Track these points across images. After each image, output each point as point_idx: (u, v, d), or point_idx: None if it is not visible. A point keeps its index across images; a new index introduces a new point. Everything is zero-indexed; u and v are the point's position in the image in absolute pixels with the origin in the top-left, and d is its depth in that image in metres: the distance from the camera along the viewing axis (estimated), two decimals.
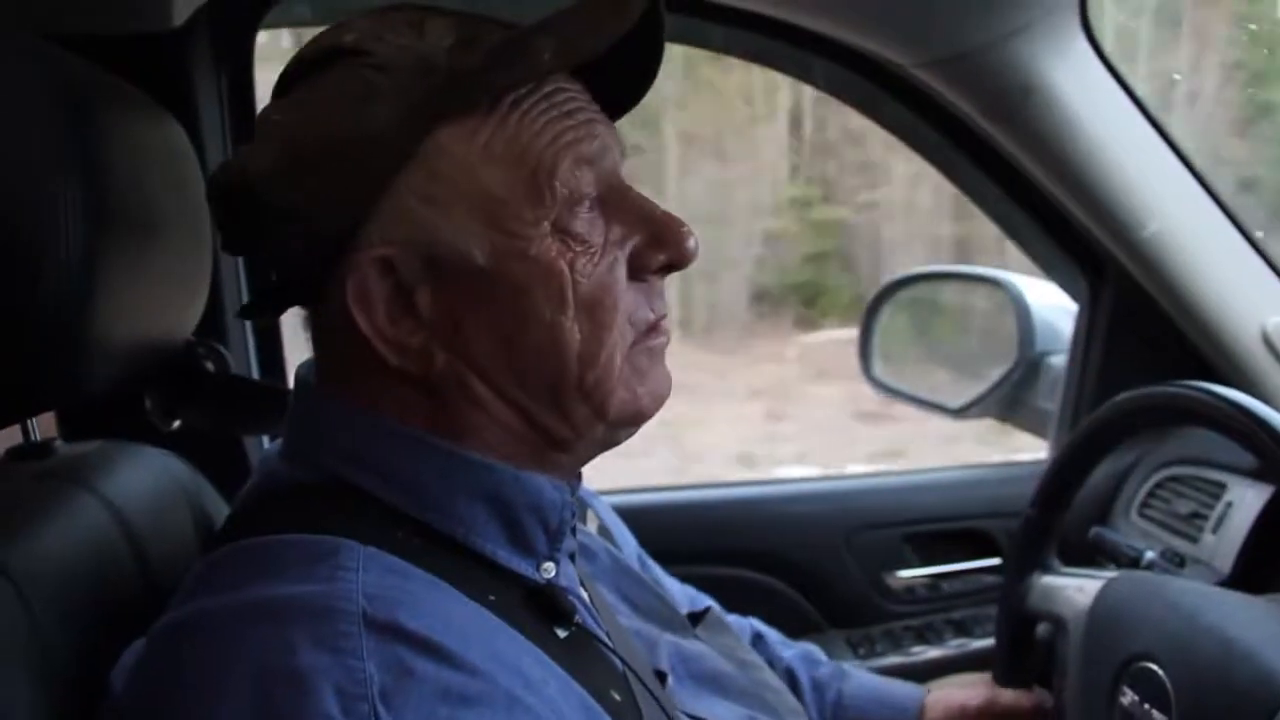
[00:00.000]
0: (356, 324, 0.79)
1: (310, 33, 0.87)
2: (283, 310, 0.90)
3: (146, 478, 1.10)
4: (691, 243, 0.85)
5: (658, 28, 0.85)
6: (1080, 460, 1.35)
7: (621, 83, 0.89)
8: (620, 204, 0.84)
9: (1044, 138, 1.58)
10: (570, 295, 0.79)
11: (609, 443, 0.87)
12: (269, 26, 1.55)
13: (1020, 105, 1.54)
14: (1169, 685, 1.10)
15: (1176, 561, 1.46)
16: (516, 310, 0.79)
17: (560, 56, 0.78)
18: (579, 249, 0.80)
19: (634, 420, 0.86)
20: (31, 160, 0.75)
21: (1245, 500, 1.57)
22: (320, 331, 0.86)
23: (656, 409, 0.87)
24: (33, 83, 0.76)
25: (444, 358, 0.80)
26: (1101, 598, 1.25)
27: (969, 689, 1.35)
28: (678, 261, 0.85)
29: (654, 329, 0.86)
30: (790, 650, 1.35)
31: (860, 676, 1.35)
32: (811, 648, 1.37)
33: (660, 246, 0.84)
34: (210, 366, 1.35)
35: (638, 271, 0.84)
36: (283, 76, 0.85)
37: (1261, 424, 1.11)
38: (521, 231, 0.78)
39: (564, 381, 0.81)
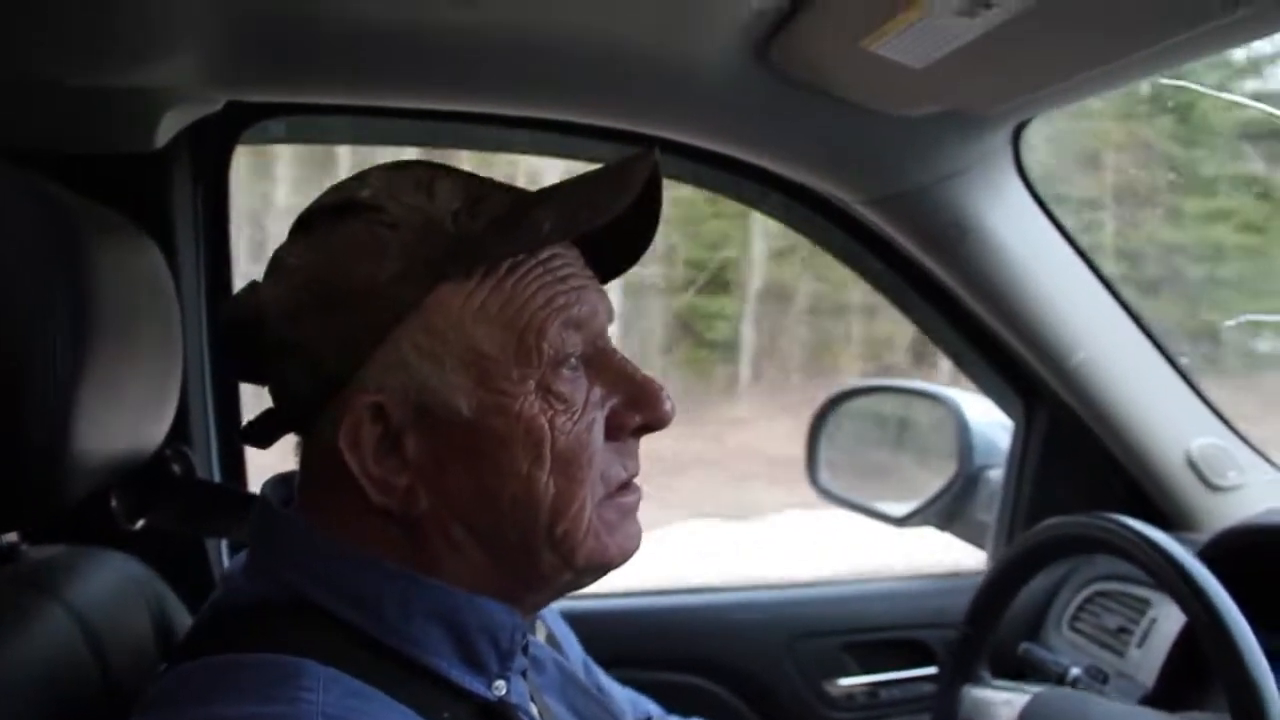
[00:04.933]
0: (344, 460, 0.83)
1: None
2: (277, 437, 0.93)
3: (110, 584, 1.12)
4: (668, 406, 0.89)
5: (656, 200, 0.91)
6: (1009, 581, 1.41)
7: (619, 246, 0.95)
8: (604, 365, 0.88)
9: (979, 271, 1.67)
10: (547, 451, 0.83)
11: (576, 586, 0.91)
12: (246, 143, 1.60)
13: (957, 241, 1.62)
14: None
15: (1100, 678, 1.52)
16: (496, 462, 0.83)
17: (559, 229, 0.83)
18: (560, 408, 0.84)
19: (601, 569, 0.89)
20: (24, 292, 0.79)
21: (1168, 617, 1.63)
22: (308, 458, 0.90)
23: (624, 560, 0.90)
24: (25, 218, 0.81)
25: (427, 500, 0.84)
26: (1026, 714, 1.31)
27: None
28: (654, 424, 0.89)
29: (625, 486, 0.90)
30: None
31: None
32: None
33: (638, 408, 0.88)
34: (176, 469, 1.38)
35: (615, 431, 0.88)
36: (302, 219, 0.90)
37: (1167, 558, 1.17)
38: (507, 389, 0.83)
39: (534, 530, 0.85)
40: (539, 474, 0.83)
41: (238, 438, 1.62)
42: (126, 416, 0.99)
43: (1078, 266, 1.69)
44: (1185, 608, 1.14)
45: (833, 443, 2.25)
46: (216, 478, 1.59)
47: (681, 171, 1.72)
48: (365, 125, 1.68)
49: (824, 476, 2.25)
